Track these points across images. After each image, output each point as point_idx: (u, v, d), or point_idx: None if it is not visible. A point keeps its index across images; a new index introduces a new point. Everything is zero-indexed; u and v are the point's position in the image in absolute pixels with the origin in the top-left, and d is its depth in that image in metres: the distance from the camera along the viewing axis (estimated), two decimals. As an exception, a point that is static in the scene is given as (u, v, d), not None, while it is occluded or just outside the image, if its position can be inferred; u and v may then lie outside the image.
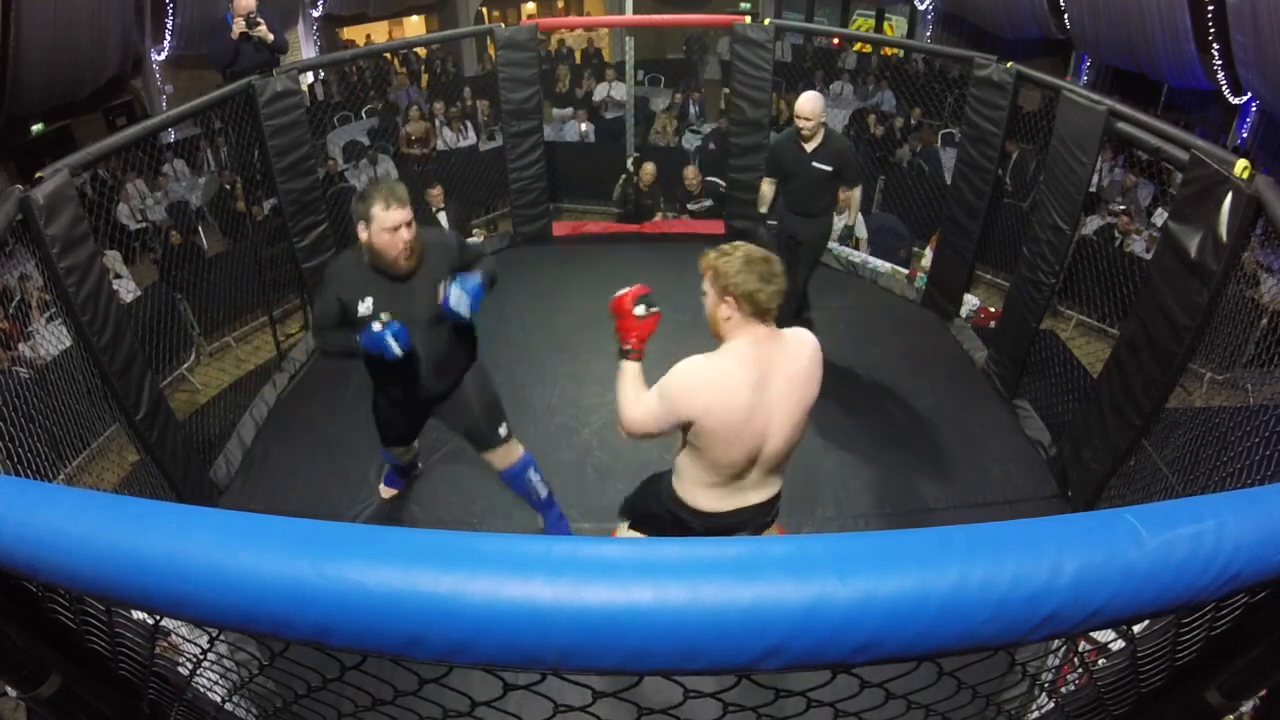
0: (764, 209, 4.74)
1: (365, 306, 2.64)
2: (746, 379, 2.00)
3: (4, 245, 2.73)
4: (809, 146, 4.33)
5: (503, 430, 3.11)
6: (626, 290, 2.21)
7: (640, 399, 2.11)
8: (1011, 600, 0.66)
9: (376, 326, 2.56)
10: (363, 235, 2.60)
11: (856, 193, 4.56)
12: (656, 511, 2.42)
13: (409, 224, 2.59)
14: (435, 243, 2.79)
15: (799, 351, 2.08)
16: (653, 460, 4.02)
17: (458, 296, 2.63)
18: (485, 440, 3.09)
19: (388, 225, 2.53)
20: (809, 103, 4.25)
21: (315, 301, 3.10)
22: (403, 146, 8.62)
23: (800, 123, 4.26)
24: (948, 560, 0.67)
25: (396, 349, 2.55)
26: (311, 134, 4.93)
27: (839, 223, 4.67)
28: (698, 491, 2.23)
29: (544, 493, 3.30)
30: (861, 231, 6.49)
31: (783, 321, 2.10)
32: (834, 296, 5.64)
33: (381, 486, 3.85)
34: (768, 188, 4.65)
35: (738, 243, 2.06)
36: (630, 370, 2.19)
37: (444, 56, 12.79)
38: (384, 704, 0.96)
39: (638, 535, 2.60)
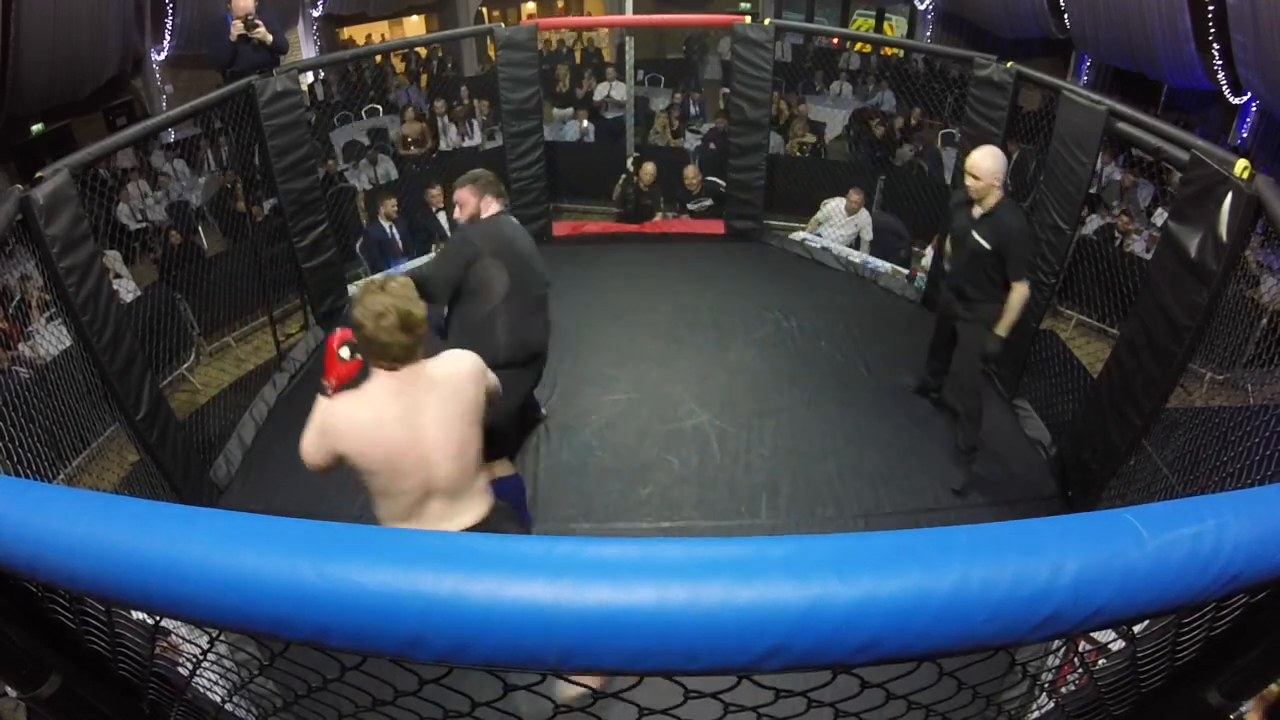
0: (947, 266, 4.02)
1: None
2: (388, 415, 2.08)
3: (4, 245, 2.73)
4: (975, 211, 3.59)
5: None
6: (337, 330, 2.23)
7: (308, 433, 2.18)
8: (1012, 600, 0.66)
9: None
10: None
11: (1018, 292, 3.52)
12: None
13: (460, 204, 3.03)
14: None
15: (445, 376, 2.15)
16: (652, 460, 4.03)
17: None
18: None
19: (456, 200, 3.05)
20: (980, 159, 3.49)
21: None
22: (400, 148, 8.63)
23: (967, 180, 3.56)
24: (949, 560, 0.67)
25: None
26: (311, 134, 4.93)
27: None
28: (388, 524, 2.25)
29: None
30: (867, 234, 6.48)
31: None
32: (834, 296, 5.65)
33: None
34: (947, 245, 3.98)
35: (376, 279, 2.11)
36: (320, 406, 2.20)
37: (441, 56, 12.79)
38: (384, 704, 0.96)
39: None
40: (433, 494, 2.18)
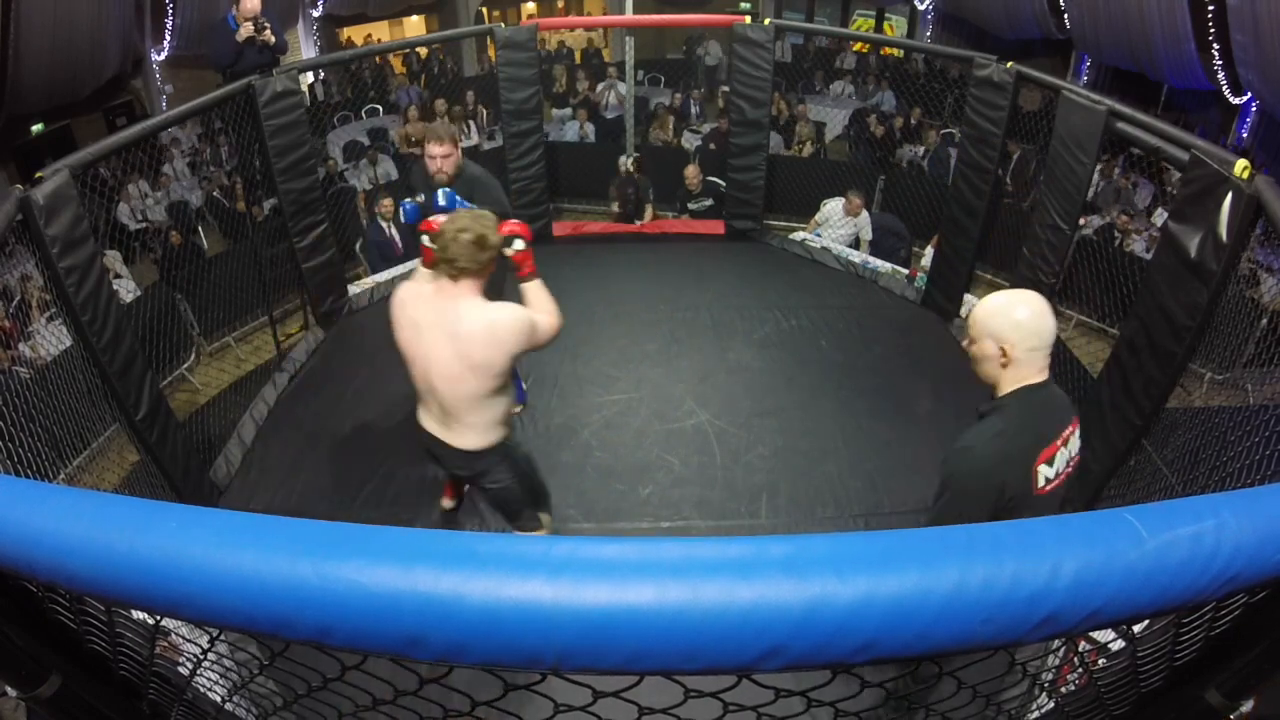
0: None
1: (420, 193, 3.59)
2: (410, 314, 2.47)
3: (4, 245, 2.73)
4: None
5: None
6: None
7: None
8: (1011, 600, 0.66)
9: (407, 203, 3.51)
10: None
11: None
12: None
13: (444, 155, 3.51)
14: (473, 175, 3.67)
15: (466, 330, 2.36)
16: (652, 460, 4.03)
17: (413, 205, 3.44)
18: None
19: (429, 154, 3.54)
20: (977, 309, 1.93)
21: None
22: (403, 147, 8.62)
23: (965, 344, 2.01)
24: (948, 560, 0.67)
25: (401, 215, 3.52)
26: (311, 134, 4.93)
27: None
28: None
29: None
30: (867, 234, 6.47)
31: None
32: (834, 296, 5.65)
33: None
34: None
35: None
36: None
37: (442, 59, 12.78)
38: (384, 704, 0.96)
39: None
40: (432, 395, 2.53)
